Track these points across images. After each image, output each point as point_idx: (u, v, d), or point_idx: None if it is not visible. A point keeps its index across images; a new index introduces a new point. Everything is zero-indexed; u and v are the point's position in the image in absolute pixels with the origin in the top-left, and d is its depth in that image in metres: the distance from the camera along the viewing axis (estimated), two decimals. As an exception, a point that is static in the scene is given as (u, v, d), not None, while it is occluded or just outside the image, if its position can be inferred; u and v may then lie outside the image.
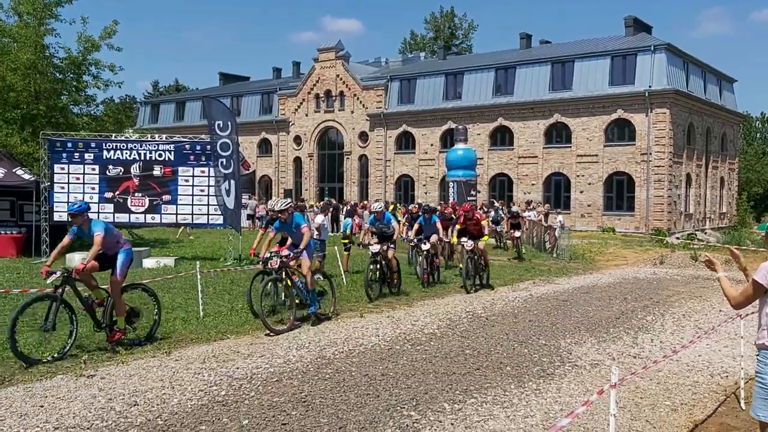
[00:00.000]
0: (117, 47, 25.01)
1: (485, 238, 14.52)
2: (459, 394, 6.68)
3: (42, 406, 6.11)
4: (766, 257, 4.38)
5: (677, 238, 31.52)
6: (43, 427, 5.58)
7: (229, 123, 18.14)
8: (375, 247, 12.76)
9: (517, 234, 22.08)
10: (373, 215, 13.56)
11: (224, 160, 17.99)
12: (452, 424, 5.84)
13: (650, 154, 34.28)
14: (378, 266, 12.75)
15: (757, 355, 4.35)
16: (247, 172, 41.14)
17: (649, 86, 34.11)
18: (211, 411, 6.06)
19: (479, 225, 14.44)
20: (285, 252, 10.21)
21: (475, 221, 14.40)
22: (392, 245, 13.08)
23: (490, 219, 24.04)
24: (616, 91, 35.21)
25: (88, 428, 5.57)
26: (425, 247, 14.29)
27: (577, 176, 36.63)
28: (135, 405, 6.18)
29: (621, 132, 35.64)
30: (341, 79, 45.48)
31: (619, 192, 35.74)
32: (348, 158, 45.98)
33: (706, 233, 36.85)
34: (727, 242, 27.51)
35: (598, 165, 35.93)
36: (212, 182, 18.24)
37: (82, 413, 5.92)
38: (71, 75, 25.05)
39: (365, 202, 37.20)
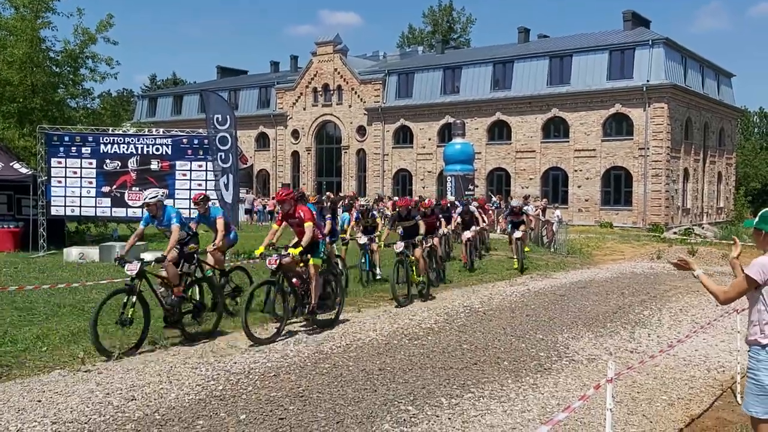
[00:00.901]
0: (113, 41, 24.96)
1: (296, 251, 8.95)
2: (456, 389, 6.69)
3: (39, 401, 6.11)
4: (760, 253, 4.39)
5: (674, 232, 31.59)
6: (41, 422, 5.58)
7: (228, 117, 18.09)
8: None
9: (518, 234, 17.12)
10: (179, 215, 8.87)
11: (223, 154, 17.94)
12: (449, 418, 5.85)
13: (648, 148, 34.30)
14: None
15: (749, 351, 4.37)
16: (245, 166, 41.08)
17: (647, 81, 34.10)
18: (209, 405, 6.07)
19: (302, 226, 9.30)
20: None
21: (298, 219, 9.34)
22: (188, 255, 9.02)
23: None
24: (614, 86, 35.20)
25: (85, 423, 5.58)
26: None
27: (575, 171, 36.64)
28: (132, 399, 6.18)
29: (619, 126, 35.64)
30: (339, 73, 45.39)
31: (617, 187, 35.77)
32: (346, 152, 45.93)
33: (703, 228, 36.91)
34: (725, 236, 27.57)
35: (595, 159, 35.93)
36: (210, 176, 18.19)
37: (80, 408, 5.93)
38: (68, 68, 24.96)
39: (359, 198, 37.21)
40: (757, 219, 4.37)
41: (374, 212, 15.01)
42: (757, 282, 4.17)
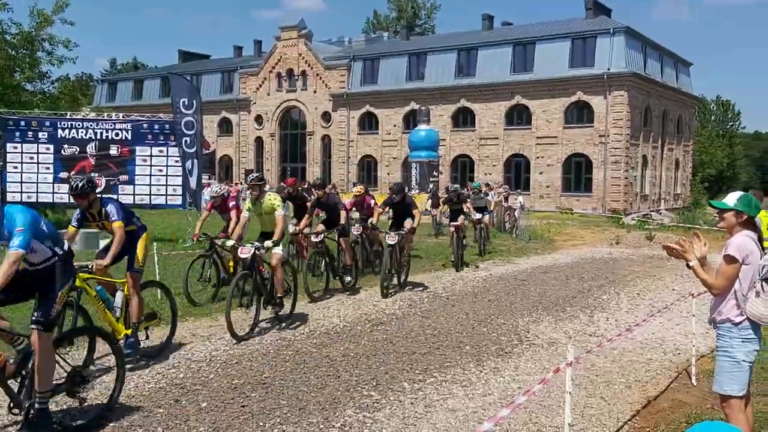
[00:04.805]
0: (70, 21, 24.30)
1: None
2: (419, 374, 6.74)
3: (-5, 391, 5.96)
4: (723, 236, 4.46)
5: (633, 218, 32.16)
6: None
7: (194, 101, 17.85)
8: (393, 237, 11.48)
9: (459, 222, 15.07)
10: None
11: (188, 138, 17.72)
12: (412, 403, 5.90)
13: (608, 136, 34.82)
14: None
15: (717, 330, 4.43)
16: (208, 151, 40.62)
17: (608, 69, 34.56)
18: (169, 394, 6.00)
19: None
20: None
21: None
22: None
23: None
24: (576, 74, 35.59)
25: (42, 413, 5.47)
26: None
27: (537, 158, 37.04)
28: (91, 389, 6.07)
29: (580, 114, 36.10)
30: (304, 58, 45.02)
31: (578, 173, 36.29)
32: (311, 138, 45.68)
33: (661, 214, 37.67)
34: (681, 222, 28.13)
35: (557, 146, 36.36)
36: (171, 162, 17.96)
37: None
38: (24, 51, 24.28)
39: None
40: (736, 202, 4.37)
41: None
42: (738, 261, 4.25)
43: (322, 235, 11.13)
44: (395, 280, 11.67)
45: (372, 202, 13.51)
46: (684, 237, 4.58)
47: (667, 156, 41.37)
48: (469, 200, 17.24)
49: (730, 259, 4.28)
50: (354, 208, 13.93)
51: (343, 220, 11.24)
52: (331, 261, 11.27)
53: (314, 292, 10.66)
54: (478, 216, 17.26)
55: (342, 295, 11.05)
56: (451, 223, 15.54)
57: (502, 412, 4.21)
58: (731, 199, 4.43)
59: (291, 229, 11.35)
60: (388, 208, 12.36)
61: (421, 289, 11.88)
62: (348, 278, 11.39)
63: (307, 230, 11.56)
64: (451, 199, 16.15)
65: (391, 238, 11.16)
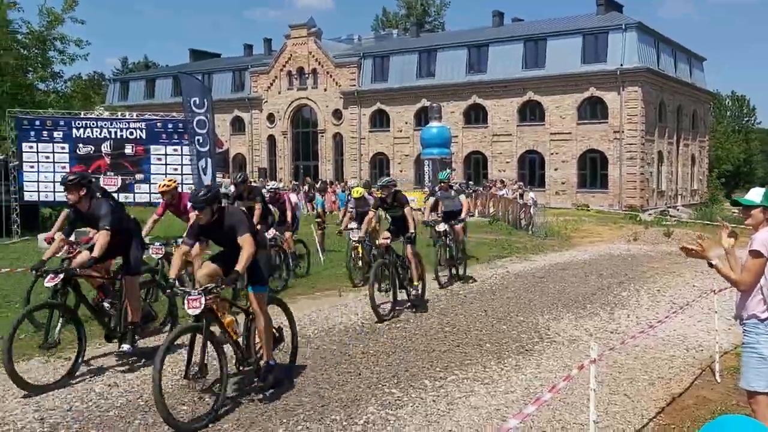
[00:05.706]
0: (80, 20, 24.42)
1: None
2: (440, 371, 6.71)
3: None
4: (741, 231, 4.42)
5: (650, 214, 31.97)
6: (23, 410, 5.50)
7: (205, 100, 17.89)
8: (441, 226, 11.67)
9: (443, 227, 11.71)
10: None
11: (201, 137, 17.76)
12: (434, 400, 5.87)
13: (623, 132, 34.60)
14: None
15: (743, 326, 4.38)
16: (221, 150, 40.69)
17: (621, 64, 34.34)
18: (193, 390, 6.00)
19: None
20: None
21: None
22: None
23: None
24: (589, 69, 35.39)
25: (68, 410, 5.51)
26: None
27: (551, 154, 36.87)
28: (115, 386, 6.11)
29: (593, 110, 35.89)
30: (314, 56, 45.02)
31: (593, 169, 36.08)
32: (322, 136, 45.69)
33: (678, 210, 37.40)
34: (699, 218, 27.94)
35: (571, 143, 36.17)
36: (186, 161, 18.01)
37: (62, 395, 5.84)
38: (36, 51, 24.42)
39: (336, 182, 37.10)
40: (762, 198, 4.32)
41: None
42: (765, 256, 4.20)
43: (60, 275, 6.31)
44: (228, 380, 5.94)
45: (189, 204, 7.88)
46: (702, 233, 4.55)
47: (682, 152, 41.07)
48: (432, 200, 13.14)
49: (755, 254, 4.22)
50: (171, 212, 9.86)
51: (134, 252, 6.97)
52: (97, 314, 6.79)
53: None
54: (443, 227, 11.69)
55: (358, 293, 10.96)
56: (381, 240, 9.90)
57: (528, 408, 4.18)
58: (756, 195, 4.39)
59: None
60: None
61: (435, 285, 11.78)
62: (126, 346, 6.73)
63: (77, 260, 6.65)
64: (384, 200, 10.22)
65: (192, 305, 5.39)
